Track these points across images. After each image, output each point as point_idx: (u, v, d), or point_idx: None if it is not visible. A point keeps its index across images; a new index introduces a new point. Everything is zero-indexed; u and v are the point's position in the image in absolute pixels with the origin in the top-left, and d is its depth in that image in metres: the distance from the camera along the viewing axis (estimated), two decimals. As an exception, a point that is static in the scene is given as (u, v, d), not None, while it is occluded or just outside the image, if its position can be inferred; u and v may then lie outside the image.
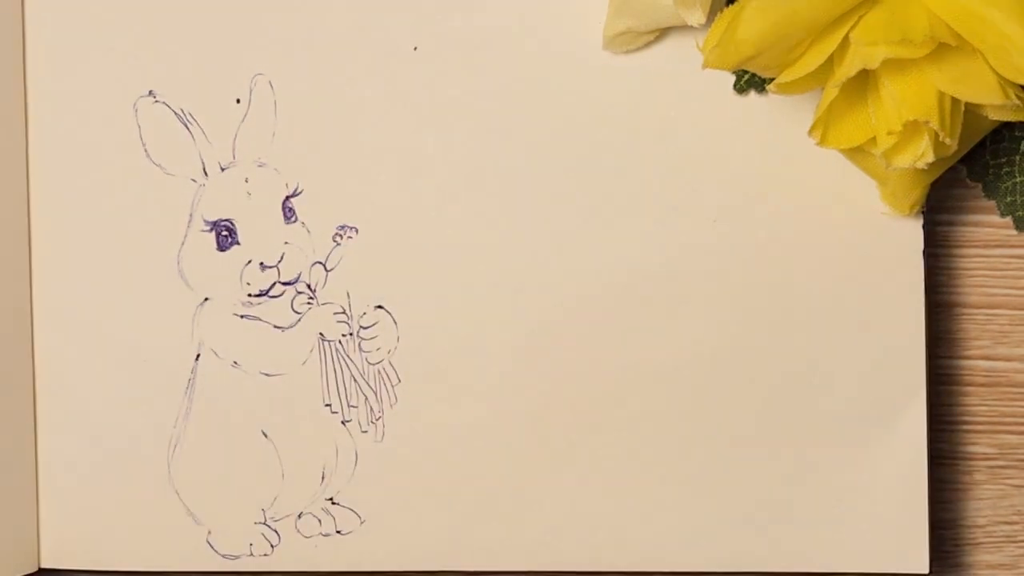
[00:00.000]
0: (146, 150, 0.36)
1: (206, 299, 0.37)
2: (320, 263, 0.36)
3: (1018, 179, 0.35)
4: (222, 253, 0.36)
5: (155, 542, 0.37)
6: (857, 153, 0.33)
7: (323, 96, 0.36)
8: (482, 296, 0.36)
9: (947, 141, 0.30)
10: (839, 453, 0.36)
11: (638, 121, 0.36)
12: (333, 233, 0.36)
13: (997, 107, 0.31)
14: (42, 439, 0.37)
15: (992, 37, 0.29)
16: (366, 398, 0.36)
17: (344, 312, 0.36)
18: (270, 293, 0.36)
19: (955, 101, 0.30)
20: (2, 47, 0.36)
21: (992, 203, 0.36)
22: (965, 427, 0.37)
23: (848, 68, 0.30)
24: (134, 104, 0.36)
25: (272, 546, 0.37)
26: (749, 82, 0.35)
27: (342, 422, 0.37)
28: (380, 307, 0.36)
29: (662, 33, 0.35)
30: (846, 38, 0.30)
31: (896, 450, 0.35)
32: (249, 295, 0.36)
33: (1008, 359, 0.37)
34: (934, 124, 0.30)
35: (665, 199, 0.36)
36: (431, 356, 0.36)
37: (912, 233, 0.35)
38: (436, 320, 0.36)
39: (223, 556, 0.37)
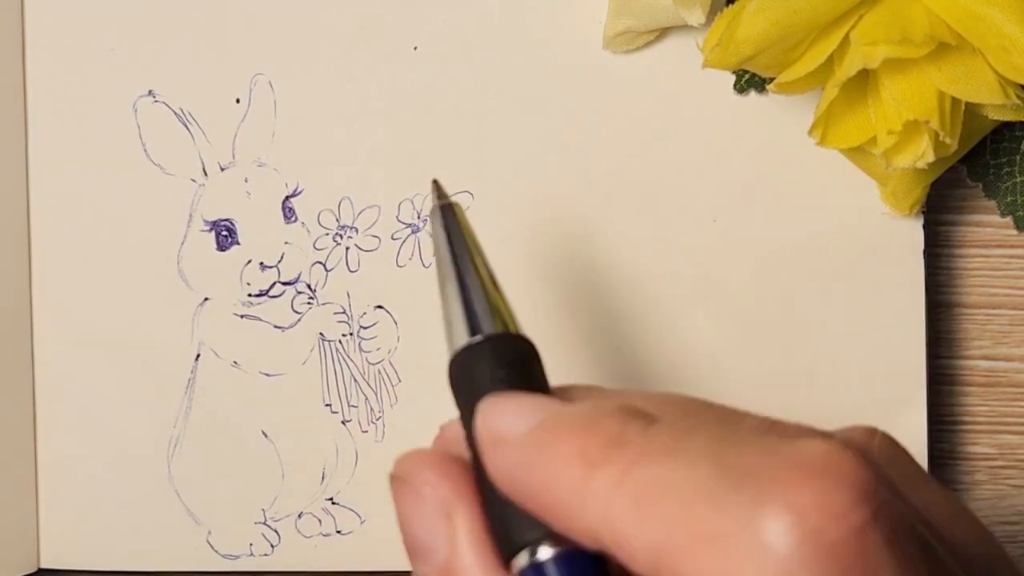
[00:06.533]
0: (145, 150, 0.36)
1: (206, 299, 0.37)
2: (320, 263, 0.36)
3: (1018, 179, 0.35)
4: (222, 253, 0.36)
5: (155, 542, 0.37)
6: (857, 153, 0.33)
7: (323, 96, 0.36)
8: (482, 296, 0.36)
9: (947, 141, 0.30)
10: (839, 453, 0.35)
11: (638, 121, 0.36)
12: (333, 233, 0.36)
13: (997, 106, 0.31)
14: (41, 439, 0.37)
15: (992, 37, 0.29)
16: (366, 398, 0.36)
17: (344, 312, 0.36)
18: (270, 293, 0.36)
19: (955, 101, 0.30)
20: (1, 46, 0.36)
21: (993, 203, 0.36)
22: (965, 427, 0.37)
23: (848, 68, 0.30)
24: (134, 104, 0.36)
25: (272, 546, 0.37)
26: (749, 82, 0.35)
27: (342, 422, 0.37)
28: (380, 307, 0.36)
29: (662, 33, 0.35)
30: (846, 38, 0.30)
31: (896, 450, 0.35)
32: (249, 295, 0.36)
33: (1008, 359, 0.37)
34: (934, 124, 0.29)
35: (665, 199, 0.36)
36: (431, 356, 0.36)
37: (912, 233, 0.35)
38: (436, 320, 0.36)
39: (223, 556, 0.37)
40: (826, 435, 0.21)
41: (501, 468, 0.23)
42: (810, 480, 0.19)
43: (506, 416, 0.23)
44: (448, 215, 0.29)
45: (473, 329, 0.27)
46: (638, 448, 0.21)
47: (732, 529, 0.19)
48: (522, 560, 0.22)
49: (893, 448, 0.24)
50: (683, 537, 0.19)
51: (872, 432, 0.24)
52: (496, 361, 0.26)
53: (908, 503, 0.21)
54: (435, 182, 0.29)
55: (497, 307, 0.27)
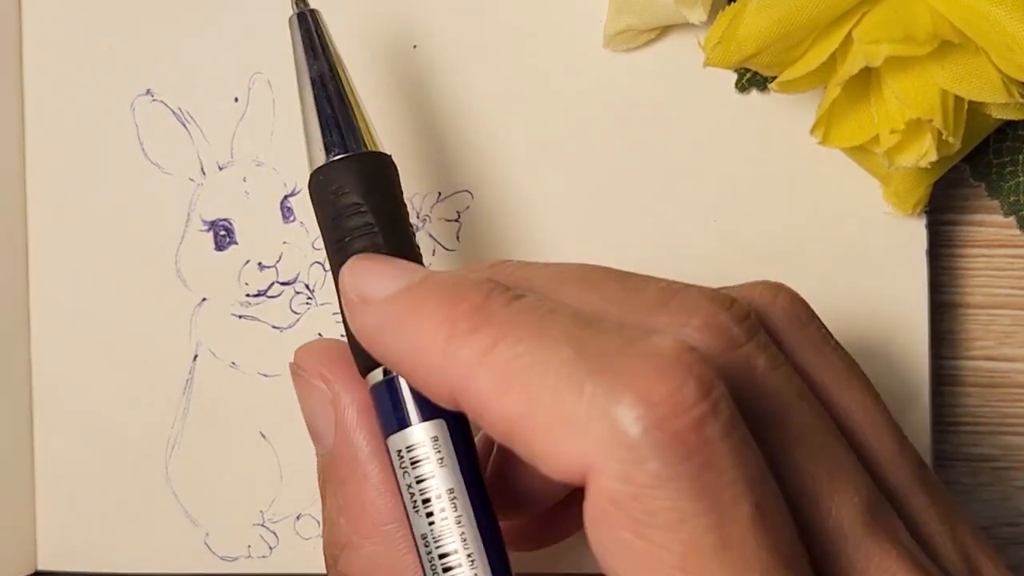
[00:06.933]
0: (143, 149, 0.36)
1: (204, 299, 0.36)
2: (319, 263, 0.36)
3: (1021, 178, 0.35)
4: (220, 253, 0.36)
5: (153, 544, 0.37)
6: (859, 152, 0.33)
7: (322, 95, 0.36)
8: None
9: (950, 140, 0.30)
10: (841, 454, 0.35)
11: (638, 120, 0.35)
12: (332, 233, 0.36)
13: (1000, 105, 0.30)
14: (39, 440, 0.37)
15: (996, 35, 0.28)
16: (365, 399, 0.36)
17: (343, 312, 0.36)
18: (268, 293, 0.36)
19: (958, 99, 0.30)
20: (-1, 46, 0.36)
21: (995, 203, 0.35)
22: (968, 428, 0.37)
23: (850, 66, 0.29)
24: (131, 103, 0.36)
25: (270, 548, 0.37)
26: (751, 81, 0.35)
27: (341, 423, 0.36)
28: (379, 307, 0.36)
29: (663, 31, 0.35)
30: (848, 36, 0.30)
31: (899, 451, 0.35)
32: (247, 295, 0.36)
33: (1012, 359, 0.37)
34: (937, 123, 0.29)
35: (665, 199, 0.36)
36: (430, 357, 0.36)
37: (915, 233, 0.35)
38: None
39: (221, 558, 0.37)
40: (684, 323, 0.24)
41: (365, 328, 0.24)
42: (661, 375, 0.21)
43: (371, 278, 0.25)
44: (308, 23, 0.29)
45: (328, 147, 0.27)
46: (501, 321, 0.22)
47: (589, 413, 0.21)
48: (376, 377, 0.25)
49: (795, 306, 0.27)
50: (542, 416, 0.21)
51: (775, 289, 0.27)
52: (354, 182, 0.26)
53: (794, 362, 0.26)
54: None
55: (354, 124, 0.27)
